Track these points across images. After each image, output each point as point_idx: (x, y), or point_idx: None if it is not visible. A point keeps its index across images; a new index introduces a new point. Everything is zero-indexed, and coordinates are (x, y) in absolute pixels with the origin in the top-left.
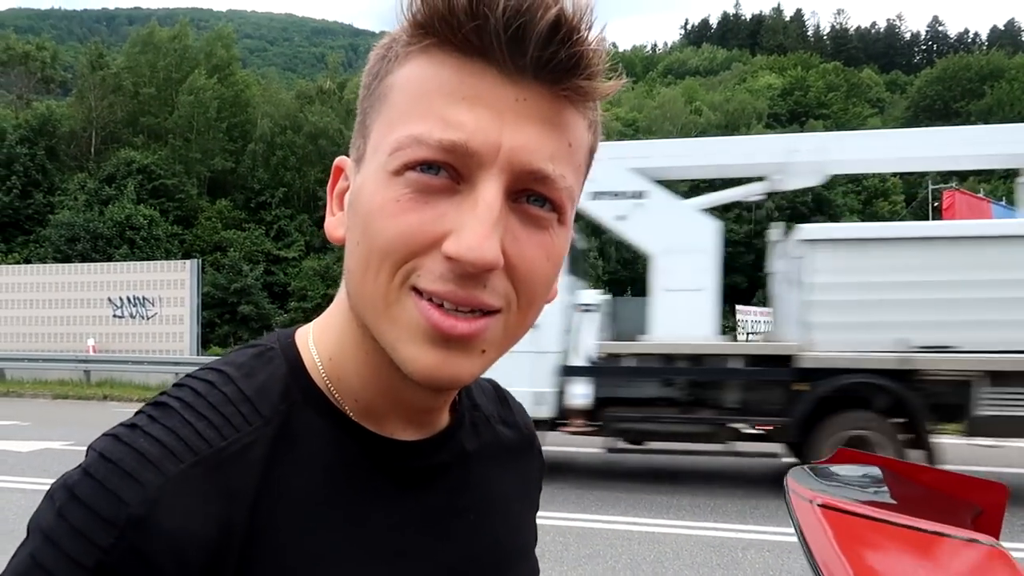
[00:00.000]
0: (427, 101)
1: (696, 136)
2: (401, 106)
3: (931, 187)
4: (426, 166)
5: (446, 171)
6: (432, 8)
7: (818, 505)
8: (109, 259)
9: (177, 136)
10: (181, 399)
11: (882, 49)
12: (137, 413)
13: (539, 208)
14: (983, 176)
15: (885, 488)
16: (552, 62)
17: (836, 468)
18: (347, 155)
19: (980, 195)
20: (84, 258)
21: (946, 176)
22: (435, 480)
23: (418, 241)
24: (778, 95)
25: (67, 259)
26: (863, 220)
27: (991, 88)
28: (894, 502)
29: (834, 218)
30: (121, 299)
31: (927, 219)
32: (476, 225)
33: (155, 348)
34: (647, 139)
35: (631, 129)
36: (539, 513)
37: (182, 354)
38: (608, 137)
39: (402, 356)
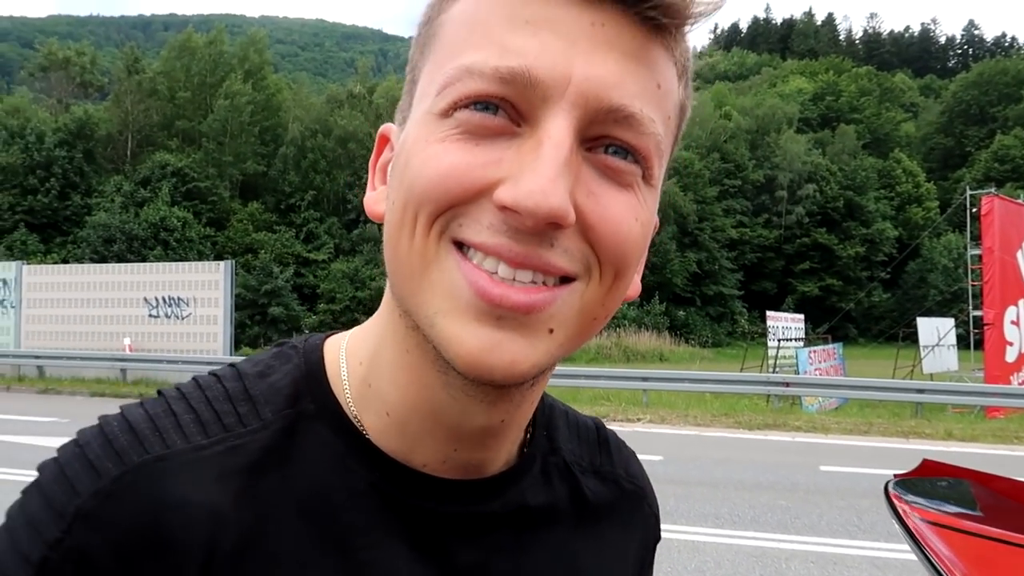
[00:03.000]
0: (483, 29)
1: (726, 140)
2: (453, 39)
3: (969, 193)
4: (481, 104)
5: (505, 111)
6: None
7: (930, 523)
8: (143, 260)
9: (211, 140)
10: (180, 390)
11: (916, 53)
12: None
13: (620, 160)
14: (1021, 183)
15: (977, 502)
16: None
17: (927, 481)
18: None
19: (1019, 200)
20: (120, 259)
21: (981, 182)
22: (473, 536)
23: (462, 185)
24: (809, 100)
25: (103, 260)
26: (895, 226)
27: None
28: (987, 515)
29: (866, 224)
30: (157, 299)
31: (964, 226)
32: (538, 166)
33: (189, 348)
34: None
35: None
36: None
37: (215, 354)
38: None
39: (441, 335)
